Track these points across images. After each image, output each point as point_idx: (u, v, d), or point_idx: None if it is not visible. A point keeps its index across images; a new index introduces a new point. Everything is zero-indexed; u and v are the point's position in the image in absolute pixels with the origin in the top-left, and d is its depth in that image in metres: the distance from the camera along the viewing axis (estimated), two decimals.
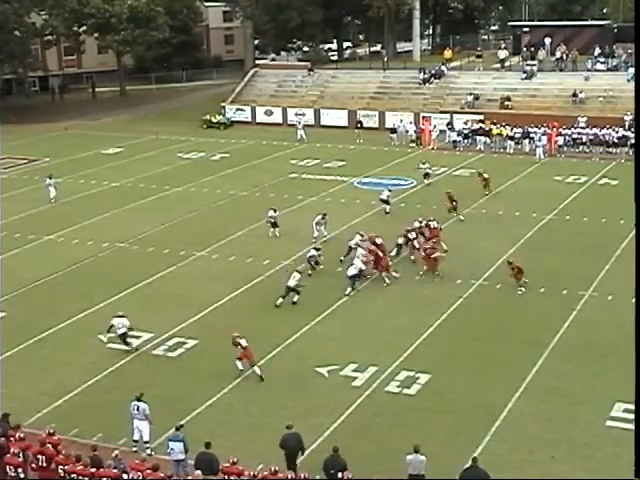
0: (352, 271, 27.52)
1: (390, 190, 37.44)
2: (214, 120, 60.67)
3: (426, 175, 41.73)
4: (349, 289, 27.34)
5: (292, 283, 26.53)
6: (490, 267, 29.37)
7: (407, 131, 52.71)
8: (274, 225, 33.53)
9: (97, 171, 46.55)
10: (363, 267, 28.07)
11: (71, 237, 34.36)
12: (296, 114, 57.96)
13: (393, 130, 52.90)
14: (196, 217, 37.14)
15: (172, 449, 17.50)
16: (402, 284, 28.28)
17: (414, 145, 51.58)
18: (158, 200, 40.26)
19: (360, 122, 56.18)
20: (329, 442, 17.98)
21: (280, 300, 26.38)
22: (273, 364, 22.69)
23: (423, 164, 42.22)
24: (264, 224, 34.28)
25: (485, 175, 39.28)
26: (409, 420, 19.77)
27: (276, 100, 63.02)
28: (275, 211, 34.03)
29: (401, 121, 54.08)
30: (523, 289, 27.18)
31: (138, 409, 18.74)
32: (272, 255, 31.09)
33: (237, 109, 62.56)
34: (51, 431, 17.71)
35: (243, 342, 21.69)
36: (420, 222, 31.33)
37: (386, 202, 36.57)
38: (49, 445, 17.08)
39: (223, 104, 63.11)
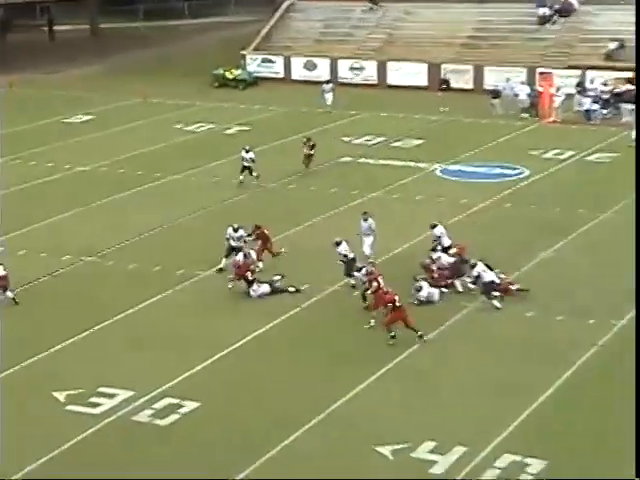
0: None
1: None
2: (230, 76, 61.34)
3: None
4: None
5: None
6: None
7: (517, 95, 52.78)
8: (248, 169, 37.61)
9: (56, 148, 47.25)
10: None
11: (15, 246, 34.65)
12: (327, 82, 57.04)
13: (496, 94, 53.00)
14: (201, 219, 37.46)
15: None
16: (482, 320, 28.40)
17: (527, 116, 51.66)
18: (146, 193, 40.80)
19: (446, 81, 56.46)
20: None
21: None
22: (312, 437, 22.77)
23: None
24: (292, 234, 34.50)
25: (307, 151, 41.82)
26: None
27: (322, 47, 63.52)
28: (248, 151, 38.32)
29: (507, 80, 54.26)
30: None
31: None
32: (311, 278, 31.14)
33: (264, 60, 63.13)
34: None
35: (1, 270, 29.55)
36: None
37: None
38: None
39: (243, 52, 63.67)
